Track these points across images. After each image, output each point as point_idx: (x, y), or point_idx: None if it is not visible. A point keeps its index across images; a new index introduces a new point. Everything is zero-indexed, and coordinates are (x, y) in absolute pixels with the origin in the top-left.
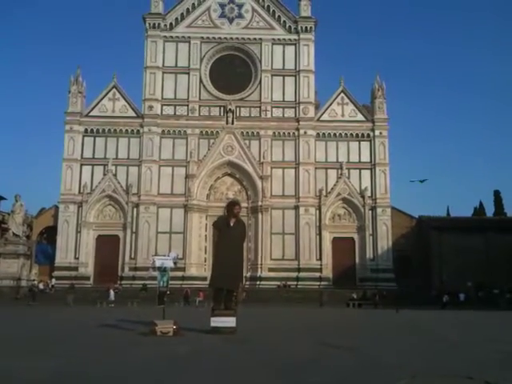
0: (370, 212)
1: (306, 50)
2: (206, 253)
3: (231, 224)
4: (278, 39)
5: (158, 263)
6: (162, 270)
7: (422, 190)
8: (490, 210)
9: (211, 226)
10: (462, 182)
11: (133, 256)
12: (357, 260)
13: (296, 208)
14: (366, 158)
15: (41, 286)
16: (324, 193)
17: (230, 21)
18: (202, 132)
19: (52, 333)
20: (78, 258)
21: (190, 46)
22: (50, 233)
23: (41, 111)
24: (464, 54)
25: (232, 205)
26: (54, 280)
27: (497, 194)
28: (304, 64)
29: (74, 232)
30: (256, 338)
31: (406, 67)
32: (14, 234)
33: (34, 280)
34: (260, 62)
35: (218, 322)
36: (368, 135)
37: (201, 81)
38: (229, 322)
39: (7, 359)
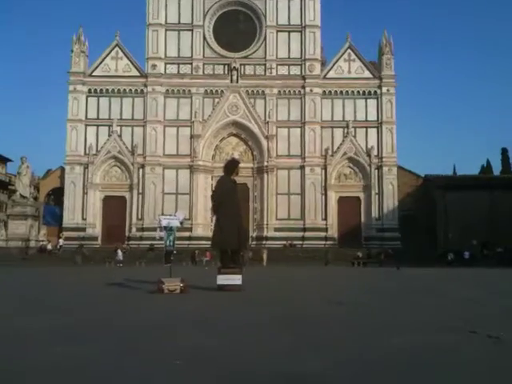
0: (376, 171)
1: (312, 4)
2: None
3: (236, 183)
4: None
5: (164, 223)
6: (169, 229)
7: (428, 148)
8: (497, 169)
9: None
10: (469, 140)
11: (140, 217)
12: (362, 219)
13: (302, 168)
14: (372, 116)
15: (49, 246)
16: (330, 152)
17: None
18: (206, 91)
19: (61, 293)
20: (85, 219)
21: (192, 1)
22: (57, 194)
23: (44, 71)
24: (473, 10)
25: (236, 164)
26: (61, 241)
27: (504, 152)
28: (310, 19)
29: (80, 193)
30: (261, 295)
31: (413, 22)
32: (21, 195)
33: (42, 240)
34: (265, 17)
35: (224, 279)
36: (375, 92)
37: (204, 38)
38: (235, 279)
39: (24, 317)
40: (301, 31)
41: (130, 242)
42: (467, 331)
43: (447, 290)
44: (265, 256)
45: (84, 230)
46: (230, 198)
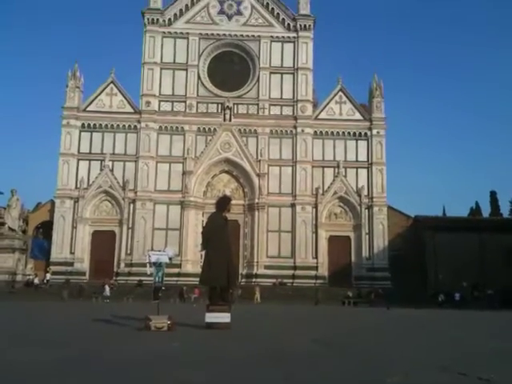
0: (367, 211)
1: (305, 47)
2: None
3: (227, 220)
4: (277, 37)
5: (153, 258)
6: (158, 265)
7: (418, 189)
8: (486, 211)
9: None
10: (458, 181)
11: (129, 252)
12: (353, 259)
13: (292, 206)
14: (363, 156)
15: (36, 280)
16: (321, 191)
17: (229, 17)
18: (199, 129)
19: (47, 327)
20: (73, 253)
21: (188, 42)
22: (46, 227)
23: (38, 106)
24: (462, 53)
25: (227, 200)
26: (49, 275)
27: (493, 194)
28: (302, 62)
29: (69, 227)
30: (249, 333)
31: (404, 66)
32: (9, 228)
33: (29, 274)
34: (258, 59)
35: (212, 317)
36: (365, 134)
37: (199, 77)
38: (223, 317)
39: (11, 350)
40: (293, 73)
41: (119, 278)
42: (457, 372)
43: (437, 330)
44: (258, 293)
45: (72, 264)
46: (220, 235)
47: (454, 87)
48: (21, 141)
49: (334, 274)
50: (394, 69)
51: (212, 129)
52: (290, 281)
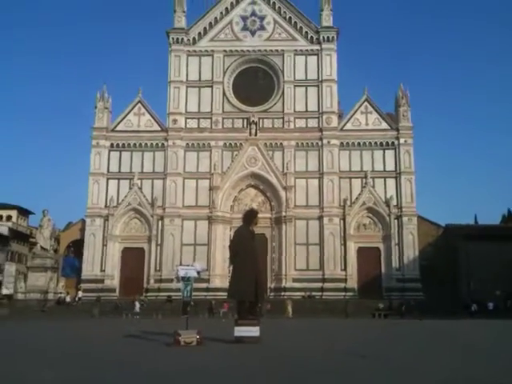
0: (396, 221)
1: (329, 59)
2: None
3: (254, 233)
4: (300, 50)
5: (181, 273)
6: (186, 279)
7: (448, 197)
8: None
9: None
10: (489, 189)
11: (158, 268)
12: (382, 270)
13: (320, 218)
14: (390, 166)
15: (68, 298)
16: (348, 202)
17: (253, 33)
18: (225, 144)
19: (78, 344)
20: (104, 271)
21: (213, 60)
22: (77, 246)
23: (68, 127)
24: (487, 61)
25: (255, 214)
26: (80, 292)
27: None
28: (326, 74)
29: (100, 245)
30: (279, 348)
31: (429, 74)
32: (41, 247)
33: (61, 292)
34: (282, 73)
35: (241, 331)
36: (393, 143)
37: (224, 93)
38: (252, 331)
39: (39, 367)
40: (318, 85)
41: (148, 294)
42: None
43: (470, 342)
44: (289, 307)
45: (102, 281)
46: (248, 248)
47: (482, 94)
48: (52, 162)
49: (364, 286)
50: (420, 75)
51: (238, 144)
52: (319, 293)
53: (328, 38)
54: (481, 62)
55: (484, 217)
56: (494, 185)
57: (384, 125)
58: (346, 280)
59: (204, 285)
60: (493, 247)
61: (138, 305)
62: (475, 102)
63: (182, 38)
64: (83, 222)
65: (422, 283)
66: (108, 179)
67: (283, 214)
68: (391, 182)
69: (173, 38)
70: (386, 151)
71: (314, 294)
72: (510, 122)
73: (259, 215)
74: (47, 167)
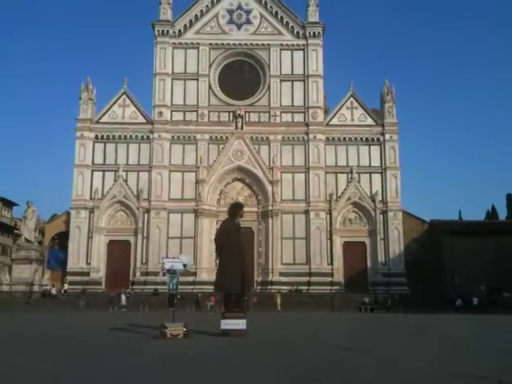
0: (382, 216)
1: (315, 55)
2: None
3: (240, 226)
4: (287, 45)
5: (167, 265)
6: (172, 272)
7: (433, 193)
8: (502, 214)
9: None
10: (474, 185)
11: (144, 261)
12: (368, 264)
13: (306, 212)
14: (376, 162)
15: (53, 291)
16: (334, 197)
17: (239, 27)
18: (211, 137)
19: (63, 337)
20: (89, 264)
21: (198, 53)
22: (62, 238)
23: (52, 118)
24: (473, 58)
25: (239, 207)
26: (66, 285)
27: (510, 197)
28: (312, 69)
29: (85, 237)
30: (265, 340)
31: (415, 70)
32: (26, 239)
33: (46, 285)
34: (268, 67)
35: (228, 324)
36: (378, 139)
37: (210, 87)
38: (239, 324)
39: (27, 361)
40: (304, 80)
41: (134, 287)
42: (478, 376)
43: (454, 335)
44: (278, 300)
45: (88, 274)
46: (233, 241)
47: (466, 91)
48: (36, 154)
49: (350, 280)
50: (405, 73)
51: (224, 137)
52: (306, 287)
53: (314, 33)
54: (466, 60)
55: (468, 213)
56: (479, 181)
57: (369, 120)
58: (332, 274)
59: (191, 278)
60: (477, 243)
61: (123, 298)
62: (460, 100)
63: (168, 31)
64: (68, 214)
65: (407, 278)
66: (93, 171)
67: (270, 208)
68: (377, 178)
69: (158, 31)
70: (372, 147)
71: (300, 287)
72: (495, 119)
73: (245, 209)
74: (31, 158)
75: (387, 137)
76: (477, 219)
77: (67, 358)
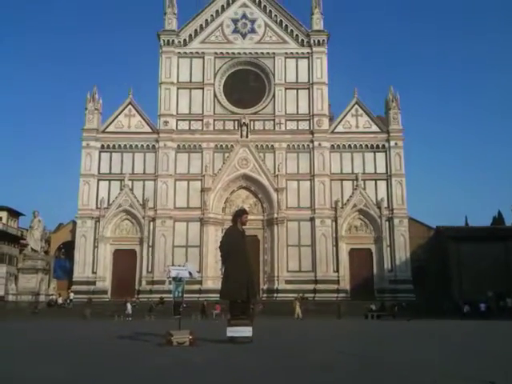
0: (387, 223)
1: (319, 62)
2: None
3: (245, 233)
4: (291, 53)
5: (173, 273)
6: (178, 280)
7: (439, 200)
8: (509, 219)
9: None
10: (480, 191)
11: (150, 270)
12: (374, 271)
13: (312, 220)
14: (381, 168)
15: (60, 300)
16: (340, 204)
17: (243, 36)
18: (216, 146)
19: (70, 344)
20: (95, 273)
21: (203, 62)
22: (68, 248)
23: (58, 128)
24: (480, 63)
25: (244, 213)
26: (72, 294)
27: None
28: (317, 77)
29: (91, 247)
30: (272, 347)
31: (419, 76)
32: (32, 249)
33: (52, 294)
34: (273, 75)
35: (234, 331)
36: (383, 146)
37: (215, 95)
38: (245, 331)
39: (32, 367)
40: (308, 88)
41: (140, 296)
42: (482, 381)
43: (465, 341)
44: (297, 307)
45: (94, 283)
46: (238, 248)
47: (472, 97)
48: (42, 164)
49: (356, 288)
50: (410, 79)
51: (229, 145)
52: (312, 295)
53: (319, 41)
54: (472, 65)
55: (475, 219)
56: (485, 187)
57: (374, 127)
58: (338, 281)
59: (196, 286)
60: (484, 248)
61: (129, 306)
62: (465, 105)
63: (173, 40)
64: (74, 223)
65: (414, 284)
66: (99, 180)
67: (275, 215)
68: (382, 185)
69: (163, 40)
70: (377, 154)
71: (306, 295)
72: (501, 124)
73: (251, 217)
74: (38, 168)
75: (392, 143)
76: (483, 225)
77: (70, 365)
